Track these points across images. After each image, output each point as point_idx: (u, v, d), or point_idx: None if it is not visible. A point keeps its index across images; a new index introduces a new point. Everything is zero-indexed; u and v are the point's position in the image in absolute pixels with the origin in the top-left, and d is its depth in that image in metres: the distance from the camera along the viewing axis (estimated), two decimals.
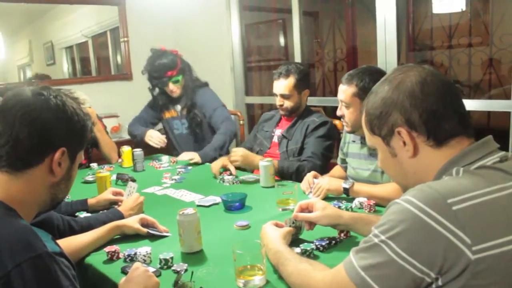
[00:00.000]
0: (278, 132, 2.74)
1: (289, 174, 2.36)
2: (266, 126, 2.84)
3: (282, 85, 2.61)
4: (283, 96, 2.63)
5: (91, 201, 2.03)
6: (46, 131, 1.06)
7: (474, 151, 1.00)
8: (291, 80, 2.60)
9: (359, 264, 0.94)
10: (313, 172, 2.17)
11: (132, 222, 1.69)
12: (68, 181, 1.16)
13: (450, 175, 0.97)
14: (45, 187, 1.10)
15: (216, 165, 2.54)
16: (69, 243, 1.51)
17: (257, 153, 2.76)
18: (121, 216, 1.81)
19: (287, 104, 2.63)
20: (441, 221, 0.86)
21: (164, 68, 3.22)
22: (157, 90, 3.37)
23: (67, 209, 1.95)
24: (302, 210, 1.54)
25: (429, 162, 1.04)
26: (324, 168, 2.48)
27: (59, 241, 1.29)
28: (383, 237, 0.91)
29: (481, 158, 0.99)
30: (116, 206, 1.97)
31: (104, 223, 1.70)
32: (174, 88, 3.27)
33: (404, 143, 1.04)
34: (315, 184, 2.05)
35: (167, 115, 3.43)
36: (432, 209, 0.87)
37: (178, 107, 3.38)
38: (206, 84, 3.43)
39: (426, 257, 0.87)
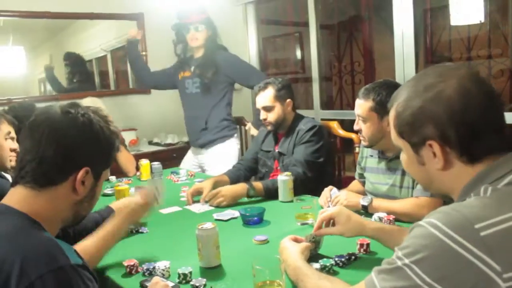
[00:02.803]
0: (278, 148, 2.68)
1: (275, 189, 2.29)
2: (265, 146, 2.78)
3: (262, 97, 2.59)
4: (265, 109, 2.59)
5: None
6: (71, 150, 1.08)
7: (501, 165, 0.95)
8: (270, 91, 2.58)
9: (382, 286, 0.92)
10: (330, 186, 2.15)
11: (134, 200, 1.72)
12: (92, 199, 1.17)
13: (478, 194, 0.93)
14: (68, 204, 1.11)
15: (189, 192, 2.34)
16: (84, 248, 1.48)
17: (263, 174, 2.72)
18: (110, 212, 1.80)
19: (271, 117, 2.59)
20: (468, 247, 0.82)
21: (189, 11, 3.28)
22: (180, 46, 3.43)
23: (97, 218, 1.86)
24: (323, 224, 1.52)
25: (459, 176, 0.99)
26: (309, 174, 2.40)
27: (77, 246, 1.31)
28: (406, 261, 0.88)
29: (509, 172, 0.94)
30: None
31: (96, 221, 1.71)
32: (195, 35, 3.28)
33: (434, 155, 0.99)
34: (332, 197, 2.03)
35: (182, 75, 3.45)
36: (459, 235, 0.83)
37: (193, 67, 3.39)
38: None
39: (452, 284, 0.83)
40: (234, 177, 2.65)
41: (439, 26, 3.50)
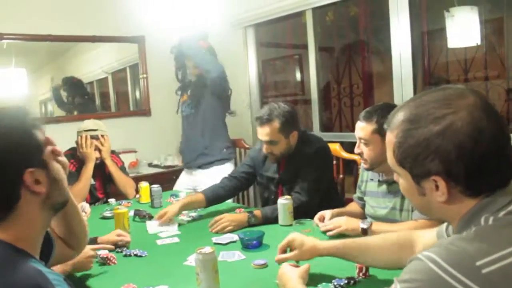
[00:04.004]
0: (282, 174, 2.58)
1: (273, 218, 2.27)
2: (267, 171, 2.62)
3: (266, 132, 2.39)
4: (270, 143, 2.42)
5: (101, 239, 2.01)
6: (6, 168, 0.98)
7: (503, 196, 0.91)
8: (275, 125, 2.37)
9: None
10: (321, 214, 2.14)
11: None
12: (56, 183, 1.07)
13: (479, 225, 0.90)
14: (39, 206, 1.04)
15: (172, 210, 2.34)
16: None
17: (267, 199, 2.64)
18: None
19: (276, 150, 2.43)
20: (470, 286, 0.79)
21: (192, 39, 3.33)
22: (180, 72, 3.49)
23: None
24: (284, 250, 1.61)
25: (461, 208, 0.95)
26: (312, 202, 2.35)
27: None
28: None
29: (510, 202, 0.90)
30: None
31: None
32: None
33: (437, 188, 0.94)
34: (331, 221, 2.03)
35: (182, 100, 3.52)
36: (460, 273, 0.80)
37: (189, 91, 3.46)
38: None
39: None
40: (212, 196, 2.54)
41: (436, 48, 3.53)
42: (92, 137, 2.90)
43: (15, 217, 1.00)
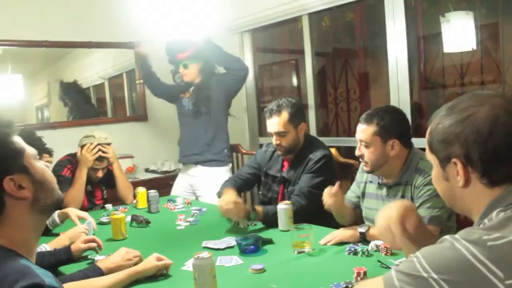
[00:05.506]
0: (284, 174, 2.61)
1: (274, 219, 2.26)
2: (271, 170, 2.69)
3: (276, 122, 2.48)
4: (279, 134, 2.49)
5: (74, 247, 1.93)
6: None
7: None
8: (284, 116, 2.47)
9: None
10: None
11: (150, 263, 1.69)
12: (44, 184, 1.07)
13: (491, 219, 0.98)
14: (27, 210, 1.04)
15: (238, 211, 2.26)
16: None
17: (270, 199, 2.65)
18: (101, 274, 1.67)
19: (285, 142, 2.50)
20: (474, 253, 0.88)
21: (175, 48, 3.43)
22: (178, 75, 3.54)
23: (50, 261, 1.84)
24: None
25: (478, 196, 1.04)
26: (312, 206, 2.34)
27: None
28: (418, 255, 0.94)
29: None
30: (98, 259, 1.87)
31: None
32: (184, 72, 3.43)
33: (458, 173, 1.04)
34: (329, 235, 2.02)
35: (182, 96, 3.54)
36: (470, 243, 0.90)
37: (191, 89, 3.49)
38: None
39: (456, 285, 0.88)
40: (238, 190, 2.60)
41: (433, 53, 3.54)
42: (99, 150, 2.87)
43: (4, 223, 1.01)
